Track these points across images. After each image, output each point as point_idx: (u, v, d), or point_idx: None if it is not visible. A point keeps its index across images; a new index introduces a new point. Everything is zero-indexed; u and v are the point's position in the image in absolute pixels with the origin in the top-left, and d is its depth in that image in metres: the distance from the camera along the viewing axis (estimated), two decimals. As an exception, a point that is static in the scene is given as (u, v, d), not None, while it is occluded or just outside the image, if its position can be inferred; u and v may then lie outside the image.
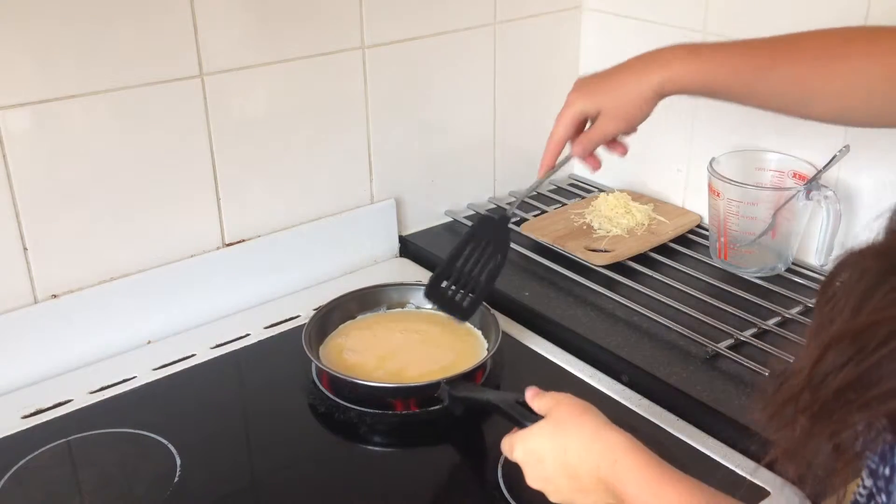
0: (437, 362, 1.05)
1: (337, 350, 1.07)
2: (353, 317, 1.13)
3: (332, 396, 1.02)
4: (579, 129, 0.95)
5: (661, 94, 0.88)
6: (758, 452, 0.85)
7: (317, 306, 1.13)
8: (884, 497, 0.56)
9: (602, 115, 0.92)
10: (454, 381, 0.96)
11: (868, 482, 0.58)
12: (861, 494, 0.65)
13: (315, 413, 1.01)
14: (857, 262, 0.50)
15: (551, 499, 0.74)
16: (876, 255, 0.50)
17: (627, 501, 0.67)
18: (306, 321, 1.09)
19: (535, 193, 1.50)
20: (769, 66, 0.84)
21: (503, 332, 1.07)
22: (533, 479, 0.75)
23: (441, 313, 1.11)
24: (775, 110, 0.88)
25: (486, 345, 1.08)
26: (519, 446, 0.76)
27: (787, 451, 0.53)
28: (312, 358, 1.02)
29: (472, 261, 1.01)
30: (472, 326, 1.12)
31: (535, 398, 0.79)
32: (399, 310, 1.16)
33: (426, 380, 0.99)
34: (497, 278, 1.03)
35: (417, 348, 1.08)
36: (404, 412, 1.00)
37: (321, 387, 1.04)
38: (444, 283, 1.02)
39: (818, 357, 0.49)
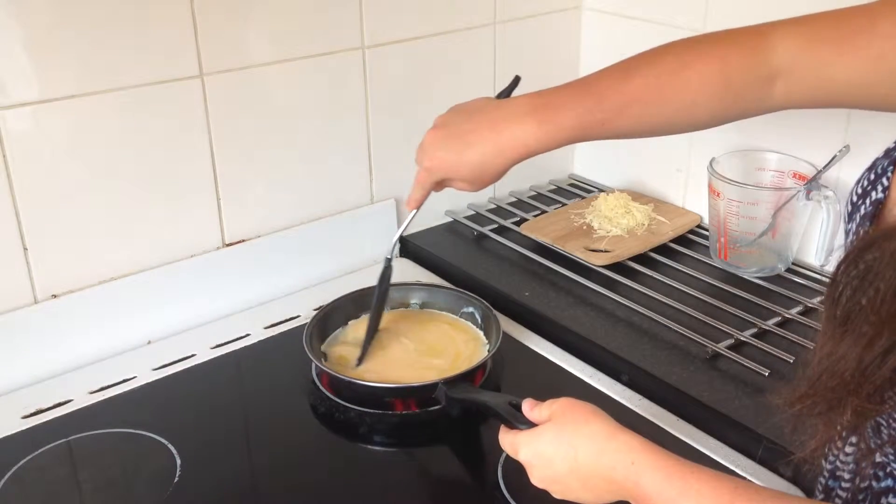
0: (438, 362, 1.05)
1: (340, 360, 1.07)
2: (354, 317, 1.13)
3: (332, 396, 1.02)
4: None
5: (515, 163, 0.90)
6: (755, 451, 0.85)
7: (317, 306, 1.13)
8: None
9: (459, 181, 0.95)
10: (451, 382, 0.96)
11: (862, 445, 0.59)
12: (842, 461, 0.65)
13: (315, 413, 1.01)
14: (882, 248, 0.50)
15: (557, 496, 0.74)
16: None
17: (650, 499, 0.66)
18: (307, 321, 1.09)
19: (534, 194, 1.51)
20: (614, 117, 0.86)
21: (503, 332, 1.07)
22: (539, 480, 0.75)
23: (443, 313, 1.15)
24: (630, 138, 0.92)
25: (486, 345, 1.08)
26: (524, 448, 0.76)
27: (831, 435, 0.55)
28: (313, 358, 1.02)
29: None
30: (474, 326, 1.12)
31: (533, 409, 0.79)
32: (402, 309, 1.16)
33: (426, 380, 0.99)
34: (376, 325, 1.09)
35: (418, 348, 1.08)
36: (404, 412, 1.00)
37: (321, 387, 1.04)
38: None
39: (868, 342, 0.50)
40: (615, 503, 0.71)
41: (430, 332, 1.12)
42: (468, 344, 1.09)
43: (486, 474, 0.91)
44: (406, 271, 1.31)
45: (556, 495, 0.74)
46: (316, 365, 1.03)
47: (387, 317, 1.14)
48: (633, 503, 0.68)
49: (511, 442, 0.78)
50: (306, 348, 1.03)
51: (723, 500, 0.62)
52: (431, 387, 0.97)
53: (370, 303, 1.15)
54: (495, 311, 1.11)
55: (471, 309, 1.14)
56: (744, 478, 0.88)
